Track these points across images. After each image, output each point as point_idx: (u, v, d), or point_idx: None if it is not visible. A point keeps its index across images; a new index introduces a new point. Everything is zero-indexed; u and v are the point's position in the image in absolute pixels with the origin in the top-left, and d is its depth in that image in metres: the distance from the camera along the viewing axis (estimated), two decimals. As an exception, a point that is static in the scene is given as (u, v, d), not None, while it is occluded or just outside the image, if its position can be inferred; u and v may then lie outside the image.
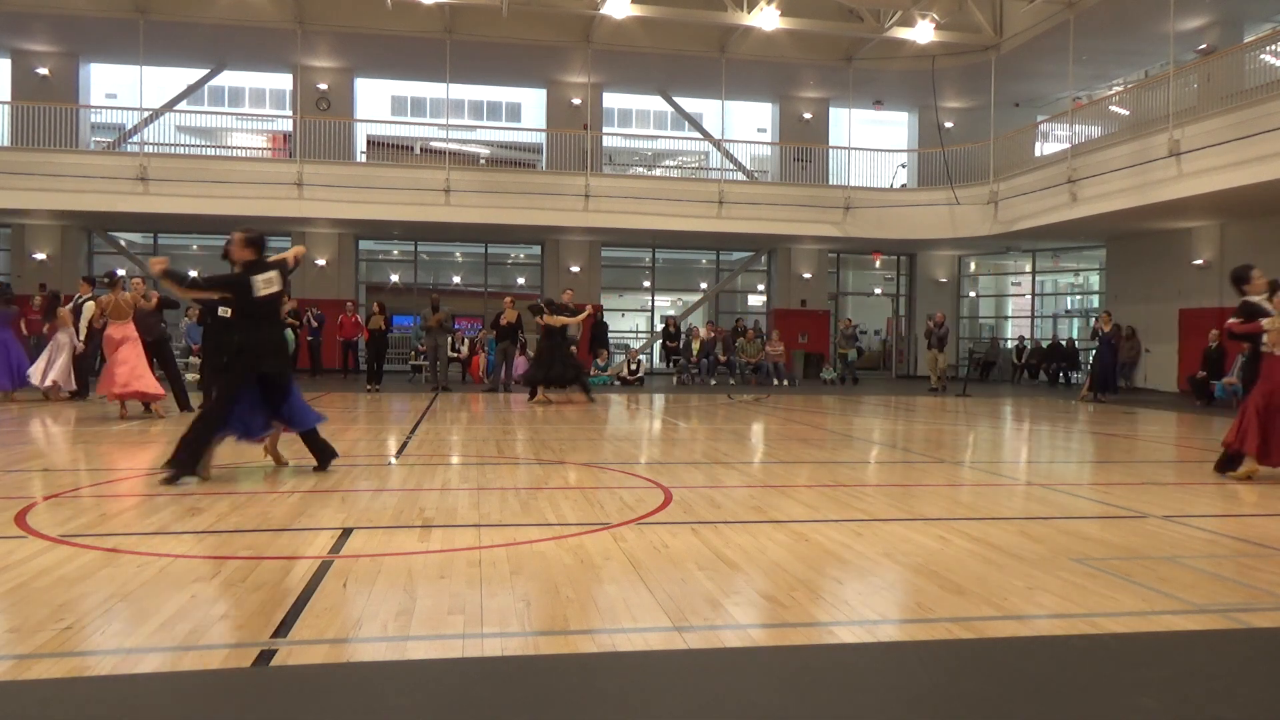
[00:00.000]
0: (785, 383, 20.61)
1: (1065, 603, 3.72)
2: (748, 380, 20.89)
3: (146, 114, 20.46)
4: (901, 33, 19.56)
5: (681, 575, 4.03)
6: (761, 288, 26.48)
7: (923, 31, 19.11)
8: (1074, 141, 19.10)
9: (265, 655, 3.00)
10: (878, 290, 27.38)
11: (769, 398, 16.85)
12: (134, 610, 3.46)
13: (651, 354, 24.34)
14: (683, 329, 22.43)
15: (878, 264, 26.40)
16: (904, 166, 24.77)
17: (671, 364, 22.09)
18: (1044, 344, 23.06)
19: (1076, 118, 19.76)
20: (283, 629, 3.24)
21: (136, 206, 19.35)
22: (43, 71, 21.20)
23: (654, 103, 25.88)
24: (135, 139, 20.61)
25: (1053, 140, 21.78)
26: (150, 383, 10.80)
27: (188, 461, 6.32)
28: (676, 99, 24.12)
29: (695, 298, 25.95)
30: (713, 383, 20.52)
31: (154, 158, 19.80)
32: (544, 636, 3.24)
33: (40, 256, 21.27)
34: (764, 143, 25.25)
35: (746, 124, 26.02)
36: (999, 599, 3.76)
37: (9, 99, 20.70)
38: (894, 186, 23.83)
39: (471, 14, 19.84)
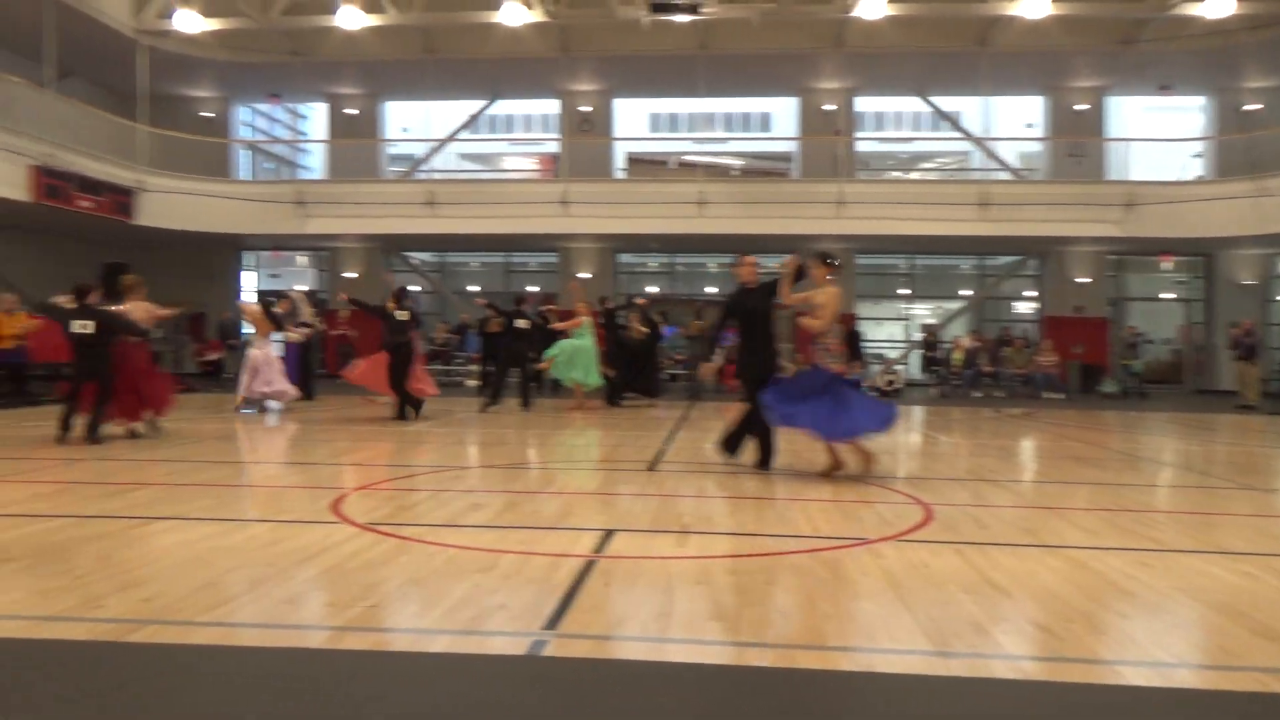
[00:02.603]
0: (1059, 396, 19.13)
1: None
2: (1016, 393, 19.60)
3: (434, 144, 22.61)
4: (1192, 9, 17.51)
5: (943, 598, 3.87)
6: (1031, 294, 24.76)
7: (1219, 4, 17.00)
8: None
9: (536, 645, 3.22)
10: (1169, 295, 24.70)
11: (1039, 411, 15.70)
12: (426, 594, 3.86)
13: (909, 365, 23.46)
14: (944, 338, 21.44)
15: (1169, 266, 23.81)
16: (1198, 156, 22.22)
17: (932, 375, 21.20)
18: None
19: None
20: (552, 622, 3.46)
21: (425, 228, 21.41)
22: (351, 112, 24.04)
23: (910, 103, 24.97)
24: (425, 168, 22.83)
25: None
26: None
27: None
28: (933, 98, 23.15)
29: (956, 305, 24.72)
30: (977, 395, 19.45)
31: (440, 184, 21.84)
32: (800, 650, 3.23)
33: (351, 275, 24.08)
34: (1031, 139, 23.66)
35: (1012, 120, 24.49)
36: (1324, 648, 3.28)
37: (326, 138, 23.64)
38: (1186, 179, 21.44)
39: (724, 27, 20.14)
